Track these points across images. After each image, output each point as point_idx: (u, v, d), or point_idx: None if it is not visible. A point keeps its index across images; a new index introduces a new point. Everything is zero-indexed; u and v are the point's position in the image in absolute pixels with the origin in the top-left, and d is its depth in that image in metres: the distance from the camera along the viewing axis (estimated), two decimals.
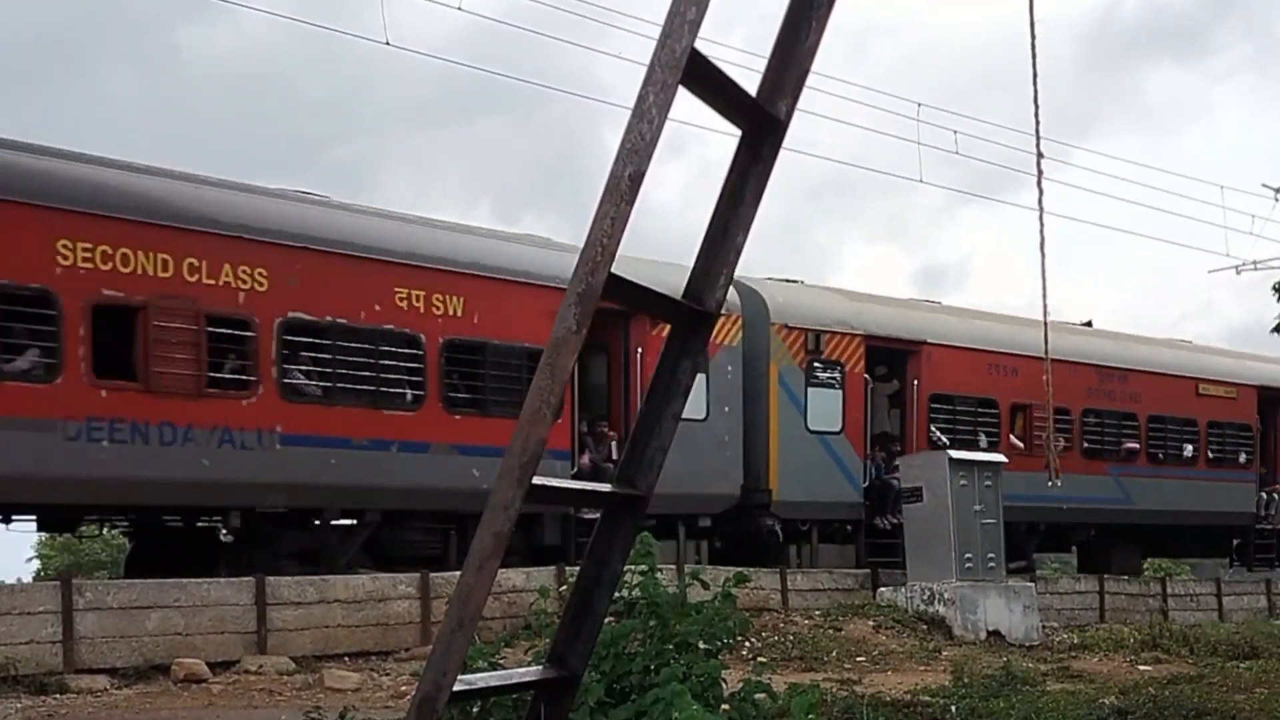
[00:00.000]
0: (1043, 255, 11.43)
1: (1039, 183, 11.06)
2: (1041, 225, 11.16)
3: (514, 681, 3.40)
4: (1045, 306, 12.27)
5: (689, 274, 3.23)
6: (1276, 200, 25.84)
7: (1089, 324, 26.35)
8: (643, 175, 2.69)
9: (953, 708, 11.70)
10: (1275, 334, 21.32)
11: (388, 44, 16.79)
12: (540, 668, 3.36)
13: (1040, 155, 10.95)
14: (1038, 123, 10.48)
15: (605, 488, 3.30)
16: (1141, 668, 16.34)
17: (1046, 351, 13.37)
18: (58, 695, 12.05)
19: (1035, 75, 10.21)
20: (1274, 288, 20.77)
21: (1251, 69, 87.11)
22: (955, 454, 19.52)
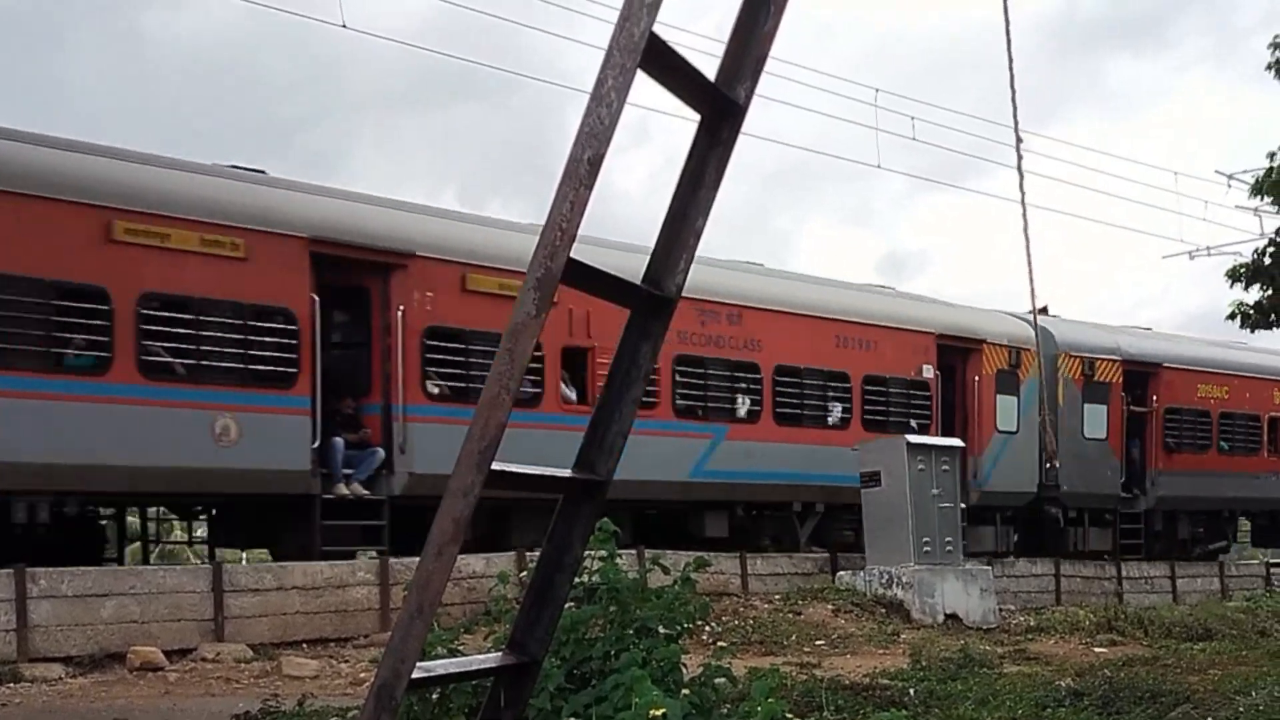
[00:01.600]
0: (1027, 240, 11.46)
1: (1019, 167, 11.09)
2: (1024, 209, 11.19)
3: (473, 668, 3.39)
4: (1033, 289, 12.29)
5: (649, 258, 3.22)
6: (1229, 186, 26.07)
7: (1044, 310, 26.47)
8: (602, 159, 2.68)
9: (911, 690, 11.78)
10: (1230, 320, 21.52)
11: (345, 26, 16.62)
12: (500, 654, 3.35)
13: (1019, 140, 10.99)
14: (1015, 107, 10.50)
15: (565, 473, 3.28)
16: (1097, 650, 16.52)
17: (1037, 332, 13.44)
18: (11, 684, 11.93)
19: (1010, 61, 10.24)
20: (1227, 274, 20.96)
21: (1209, 61, 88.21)
22: (913, 439, 19.65)
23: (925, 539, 18.95)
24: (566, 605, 7.70)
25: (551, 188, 2.69)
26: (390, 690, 2.70)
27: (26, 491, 13.60)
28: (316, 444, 15.17)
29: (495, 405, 2.73)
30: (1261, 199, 20.98)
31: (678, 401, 18.94)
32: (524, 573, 14.20)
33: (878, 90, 22.45)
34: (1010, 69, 10.05)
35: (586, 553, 7.71)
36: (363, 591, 15.03)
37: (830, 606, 18.03)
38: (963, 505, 20.62)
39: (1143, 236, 57.46)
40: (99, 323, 13.78)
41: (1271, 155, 19.99)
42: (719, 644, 13.40)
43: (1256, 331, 21.69)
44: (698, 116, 3.11)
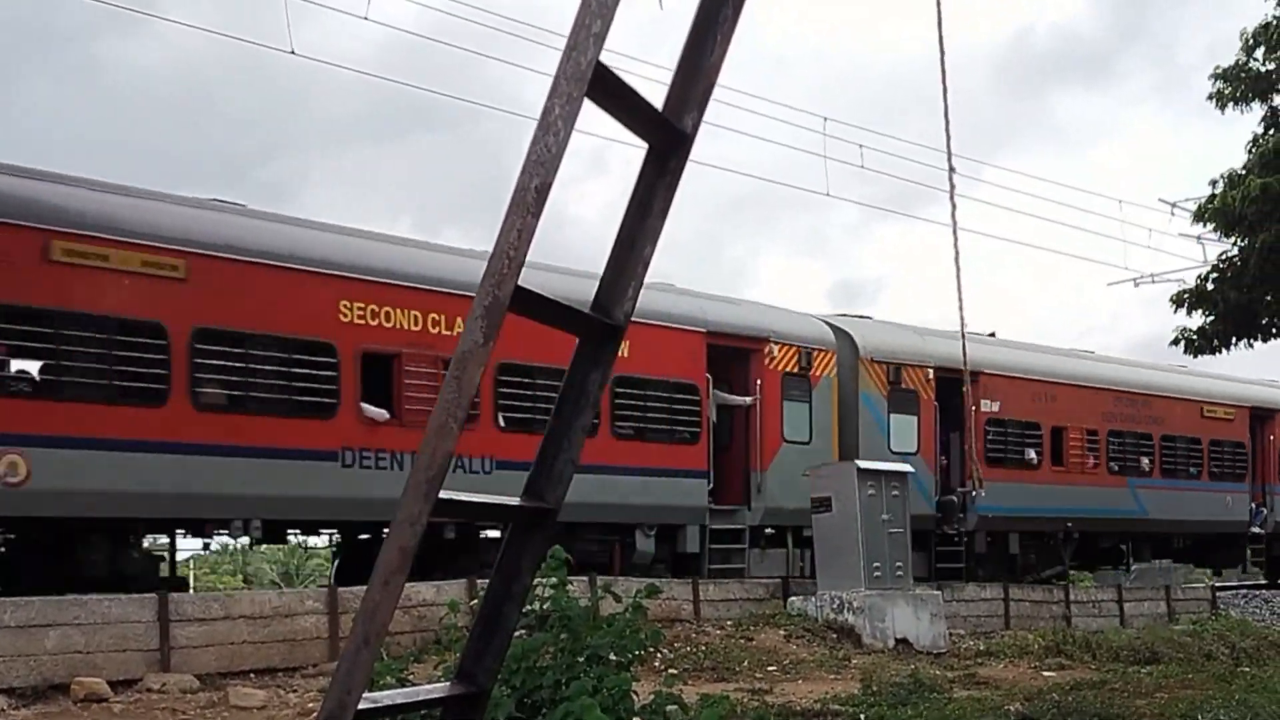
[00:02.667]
0: (958, 269, 11.58)
1: (951, 197, 11.20)
2: (955, 239, 11.31)
3: (421, 699, 3.36)
4: (962, 319, 12.43)
5: (597, 286, 3.23)
6: (1172, 215, 26.46)
7: (993, 335, 26.81)
8: (549, 187, 2.68)
9: (861, 716, 11.83)
10: (1174, 345, 21.82)
11: (293, 53, 16.60)
12: (448, 684, 3.33)
13: (952, 170, 11.08)
14: (949, 138, 10.59)
15: (514, 501, 3.27)
16: (1046, 674, 16.63)
17: (965, 364, 13.55)
18: None
19: (945, 90, 10.34)
20: (1171, 300, 21.25)
21: (1154, 95, 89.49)
22: (863, 464, 19.74)
23: (875, 564, 19.01)
24: (517, 633, 7.67)
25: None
26: None
27: None
28: None
29: (442, 434, 2.72)
30: (1204, 226, 21.31)
31: None
32: (474, 601, 14.13)
33: (826, 119, 22.72)
34: (944, 98, 10.16)
35: (537, 580, 7.68)
36: (311, 620, 14.89)
37: (782, 632, 18.05)
38: None
39: (1090, 264, 58.12)
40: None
41: (1213, 183, 20.32)
42: (670, 671, 13.39)
43: (1199, 356, 21.98)
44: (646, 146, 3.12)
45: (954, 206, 10.81)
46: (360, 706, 2.73)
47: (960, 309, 11.81)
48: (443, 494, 2.78)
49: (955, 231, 10.91)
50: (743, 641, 17.32)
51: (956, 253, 11.01)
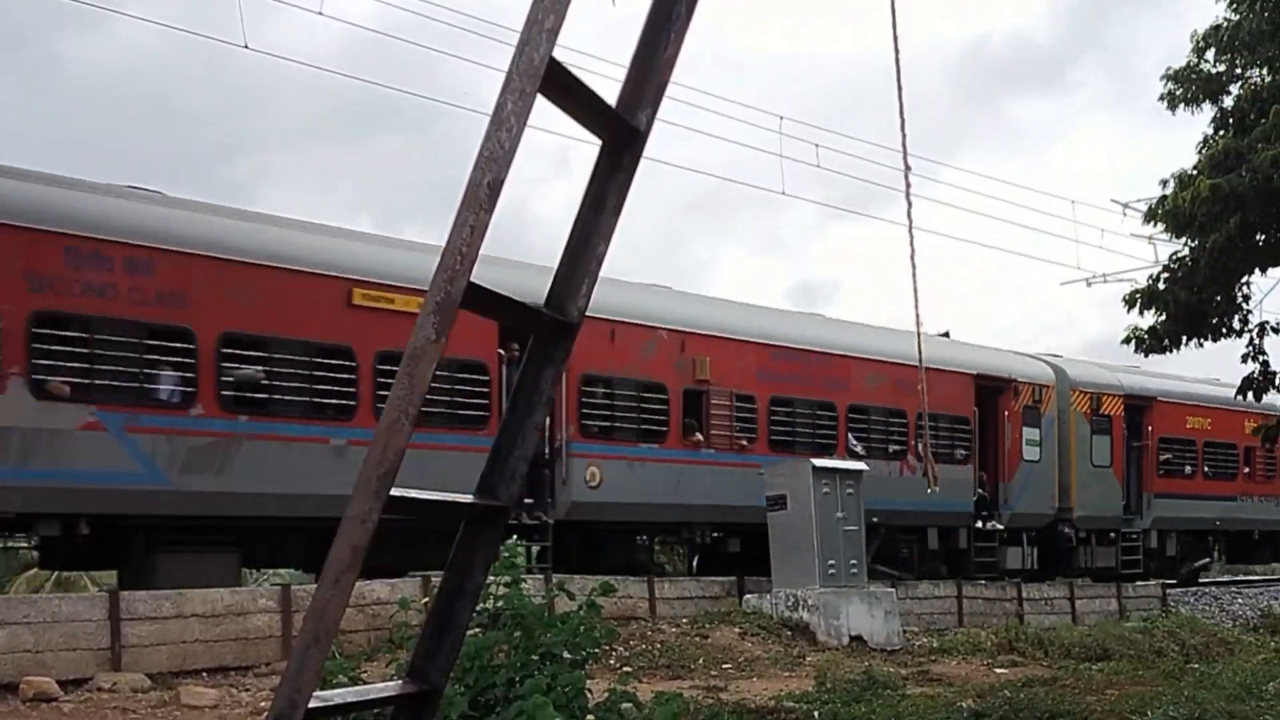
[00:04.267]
0: (914, 266, 11.58)
1: (907, 195, 11.19)
2: (911, 237, 11.31)
3: (372, 697, 3.34)
4: (918, 316, 12.42)
5: (550, 283, 3.22)
6: (1124, 215, 26.66)
7: (946, 334, 26.90)
8: (501, 183, 2.67)
9: (815, 713, 11.87)
10: (1125, 344, 21.96)
11: (247, 47, 16.51)
12: (400, 682, 3.31)
13: (908, 169, 11.07)
14: (904, 136, 10.57)
15: (467, 499, 3.26)
16: (998, 670, 16.74)
17: (921, 361, 13.58)
18: None
19: (900, 89, 10.33)
20: (1124, 300, 21.38)
21: (1109, 103, 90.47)
22: (818, 462, 19.80)
23: (830, 562, 19.08)
24: (472, 631, 7.65)
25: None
26: None
27: None
28: None
29: (394, 431, 2.70)
30: (1155, 226, 21.45)
31: None
32: (427, 599, 14.07)
33: (782, 118, 22.83)
34: (900, 97, 10.16)
35: (491, 578, 7.66)
36: (264, 619, 14.79)
37: (737, 630, 18.08)
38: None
39: (1043, 264, 58.62)
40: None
41: (1164, 183, 20.46)
42: (625, 669, 13.39)
43: (1150, 356, 22.16)
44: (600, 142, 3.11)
45: (910, 204, 10.85)
46: (311, 705, 2.71)
47: (916, 306, 11.85)
48: (394, 491, 2.76)
49: (911, 230, 10.94)
50: (698, 639, 17.34)
51: (912, 251, 11.05)
